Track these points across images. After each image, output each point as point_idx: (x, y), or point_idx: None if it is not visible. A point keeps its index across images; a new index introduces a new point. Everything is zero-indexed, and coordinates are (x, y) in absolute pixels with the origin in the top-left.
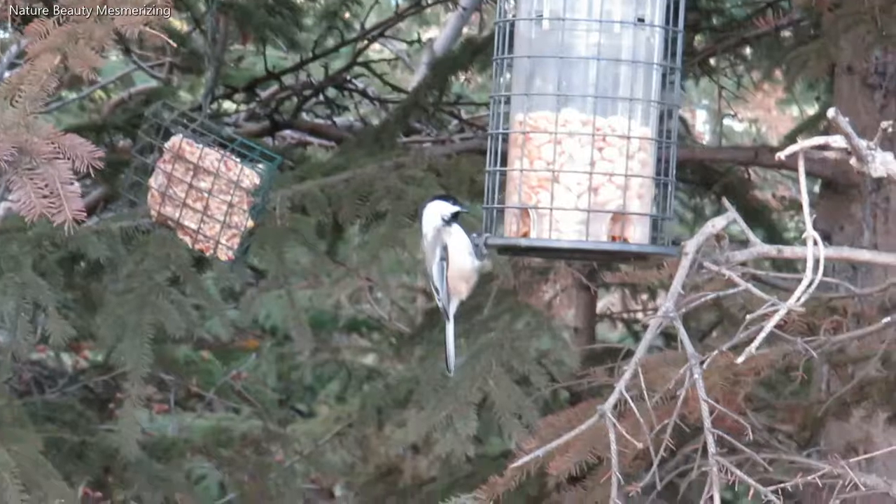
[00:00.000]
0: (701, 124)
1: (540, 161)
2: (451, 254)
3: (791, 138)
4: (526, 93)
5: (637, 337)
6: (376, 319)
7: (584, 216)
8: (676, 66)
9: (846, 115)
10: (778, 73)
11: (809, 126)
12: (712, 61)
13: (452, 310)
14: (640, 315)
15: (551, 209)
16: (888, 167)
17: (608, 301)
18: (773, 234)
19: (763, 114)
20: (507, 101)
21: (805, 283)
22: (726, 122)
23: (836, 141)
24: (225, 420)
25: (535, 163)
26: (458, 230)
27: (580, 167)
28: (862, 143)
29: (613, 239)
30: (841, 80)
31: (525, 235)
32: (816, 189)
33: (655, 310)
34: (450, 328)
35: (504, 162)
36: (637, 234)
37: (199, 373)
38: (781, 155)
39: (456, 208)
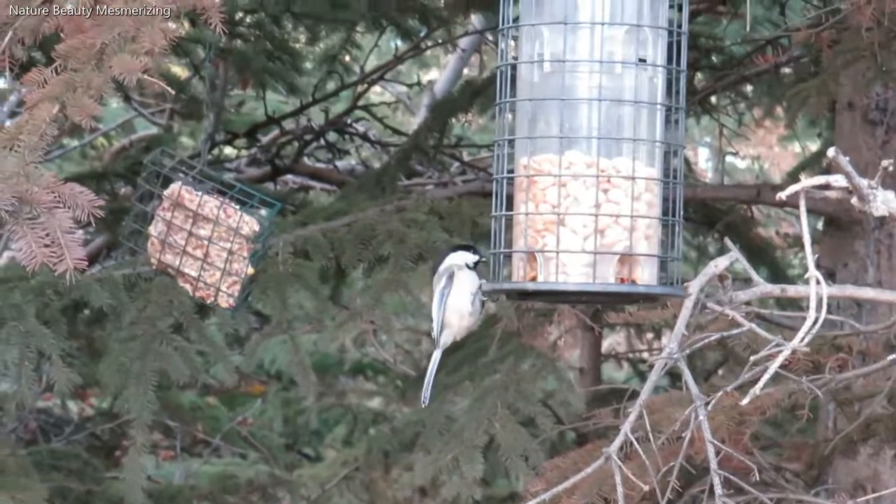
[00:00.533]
0: (703, 162)
1: (545, 204)
2: (455, 286)
3: (793, 175)
4: (529, 136)
5: (643, 377)
6: (381, 363)
7: (592, 258)
8: (680, 106)
9: (848, 152)
10: (779, 110)
11: (812, 163)
12: (713, 99)
13: (442, 341)
14: (645, 355)
15: (557, 252)
16: (890, 206)
17: (613, 340)
18: (777, 272)
19: (765, 151)
20: (511, 144)
21: (809, 322)
22: (728, 159)
23: (838, 180)
24: (231, 466)
25: (541, 206)
26: (472, 273)
27: (586, 209)
28: (863, 183)
29: (621, 281)
30: (842, 116)
31: (533, 279)
32: (820, 226)
33: (660, 350)
34: (435, 356)
35: (510, 206)
36: (645, 275)
37: (205, 419)
38: (783, 195)
39: (476, 258)
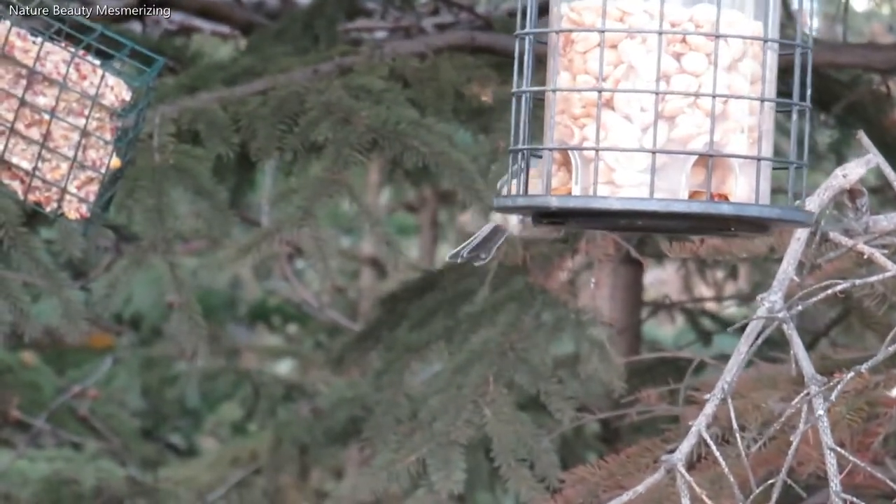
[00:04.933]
0: (806, 1)
1: (586, 76)
2: None
3: None
4: None
5: (705, 339)
6: (297, 305)
7: (652, 160)
8: None
9: None
10: None
11: None
12: None
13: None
14: (713, 304)
15: (598, 150)
16: None
17: (659, 280)
18: None
19: None
20: None
21: None
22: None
23: None
24: (61, 462)
25: (579, 78)
26: None
27: (646, 84)
28: None
29: (698, 196)
30: None
31: (567, 193)
32: None
33: (746, 298)
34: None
35: (537, 76)
36: (741, 190)
37: (21, 387)
38: None
39: None
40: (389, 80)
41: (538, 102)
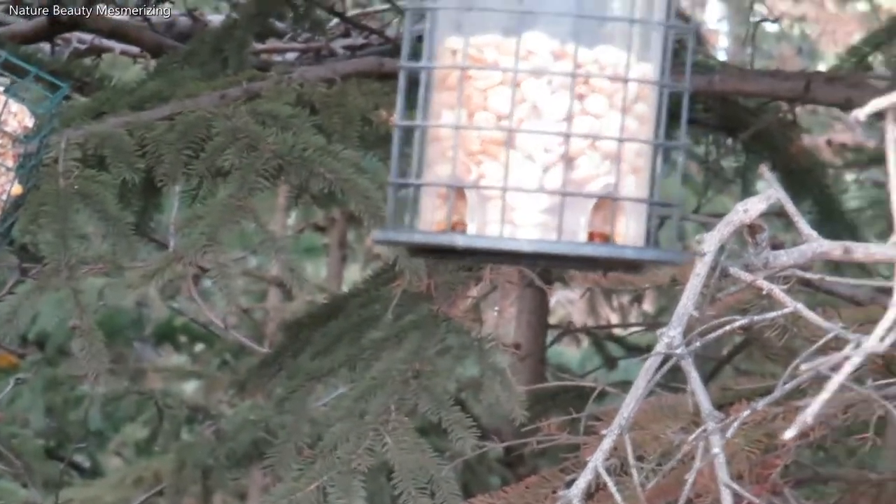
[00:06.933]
0: (715, 22)
1: (486, 113)
2: None
3: (858, 56)
4: (462, 4)
5: (611, 364)
6: (203, 325)
7: (554, 201)
8: None
9: None
10: None
11: (891, 34)
12: None
13: None
14: (619, 330)
15: (505, 189)
16: None
17: (567, 299)
18: (829, 205)
19: (814, 10)
20: (430, 15)
21: (892, 314)
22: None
23: None
24: None
25: (479, 115)
26: None
27: (550, 124)
28: None
29: (591, 237)
30: None
31: (457, 227)
32: None
33: (651, 325)
34: None
35: (428, 110)
36: (631, 230)
37: None
38: (861, 113)
39: None
40: (296, 105)
41: (411, 135)
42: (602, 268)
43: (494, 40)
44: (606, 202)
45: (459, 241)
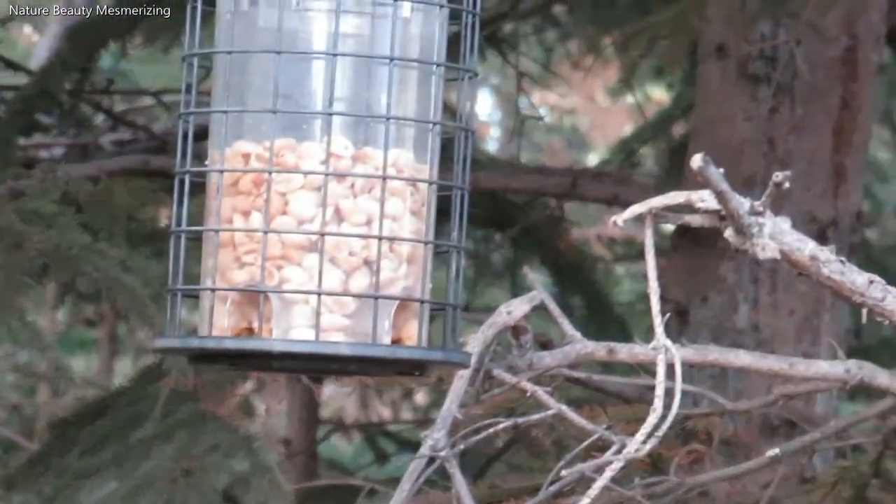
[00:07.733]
0: (485, 115)
1: (286, 217)
2: None
3: (627, 150)
4: (240, 108)
5: (383, 459)
6: None
7: (359, 305)
8: (468, 69)
9: (715, 124)
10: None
11: (658, 129)
12: (507, 27)
13: None
14: (390, 425)
15: (320, 294)
16: (783, 244)
17: (339, 393)
18: (598, 299)
19: (583, 103)
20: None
21: (652, 419)
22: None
23: (704, 200)
24: None
25: (279, 219)
26: None
27: (353, 228)
28: (743, 206)
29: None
30: (707, 66)
31: (250, 332)
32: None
33: (420, 421)
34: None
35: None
36: (423, 332)
37: None
38: (620, 219)
39: None
40: (62, 204)
41: (195, 240)
42: (397, 370)
43: (289, 144)
44: (404, 305)
45: (278, 346)
